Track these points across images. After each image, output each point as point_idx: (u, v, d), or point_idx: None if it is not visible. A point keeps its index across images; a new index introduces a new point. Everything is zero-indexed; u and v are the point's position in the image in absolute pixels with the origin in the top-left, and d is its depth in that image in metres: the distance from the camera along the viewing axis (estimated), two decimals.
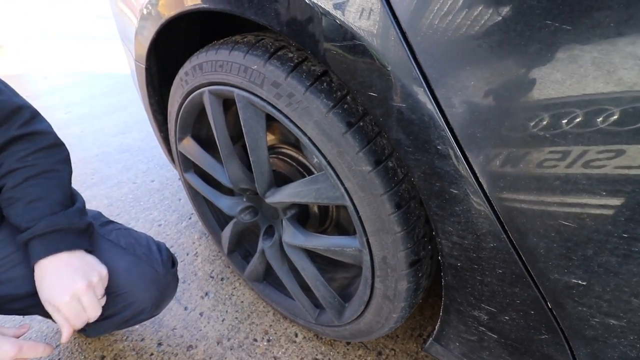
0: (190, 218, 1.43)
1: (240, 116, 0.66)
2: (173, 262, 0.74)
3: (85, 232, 0.62)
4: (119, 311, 0.64)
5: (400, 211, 0.54)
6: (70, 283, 0.56)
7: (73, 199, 0.65)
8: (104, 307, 0.64)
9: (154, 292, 0.67)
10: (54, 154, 0.64)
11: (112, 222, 0.75)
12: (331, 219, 0.88)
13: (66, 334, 0.58)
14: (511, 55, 0.33)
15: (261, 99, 0.61)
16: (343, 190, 0.57)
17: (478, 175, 0.40)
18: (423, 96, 0.39)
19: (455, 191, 0.42)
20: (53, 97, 2.81)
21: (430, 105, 0.39)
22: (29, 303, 0.63)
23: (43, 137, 0.63)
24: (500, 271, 0.45)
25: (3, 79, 0.64)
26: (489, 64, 0.35)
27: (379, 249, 0.58)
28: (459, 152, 0.40)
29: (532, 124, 0.35)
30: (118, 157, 1.92)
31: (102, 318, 0.65)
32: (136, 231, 0.75)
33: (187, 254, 1.25)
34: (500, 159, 0.38)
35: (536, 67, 0.33)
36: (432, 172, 0.43)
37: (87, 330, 0.67)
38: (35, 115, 0.64)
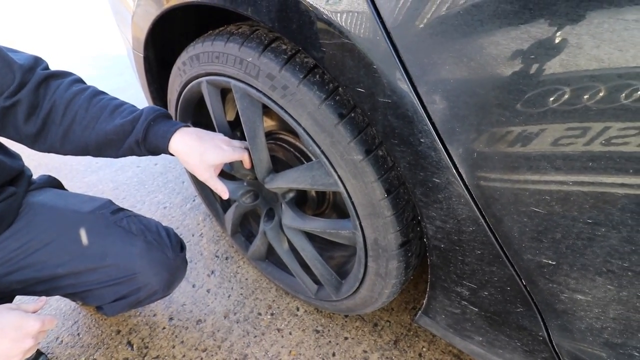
0: (194, 200, 1.48)
1: (237, 106, 0.68)
2: (181, 247, 0.79)
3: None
4: (133, 292, 0.70)
5: (389, 197, 0.57)
6: (215, 145, 0.66)
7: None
8: (120, 289, 0.69)
9: (165, 275, 0.72)
10: (85, 83, 0.68)
11: (122, 209, 0.80)
12: (328, 202, 0.92)
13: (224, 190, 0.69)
14: (483, 58, 0.36)
15: (257, 90, 0.63)
16: (336, 177, 0.60)
17: (457, 165, 0.43)
18: (407, 93, 0.42)
19: (438, 180, 0.46)
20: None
21: (414, 101, 0.42)
22: (50, 286, 0.69)
23: (67, 74, 0.67)
24: (479, 252, 0.49)
25: None
26: (466, 64, 0.37)
27: (371, 231, 0.62)
28: (439, 145, 0.43)
29: (504, 120, 0.37)
30: None
31: (119, 298, 0.71)
32: (145, 217, 0.80)
33: (193, 235, 1.31)
34: (476, 151, 0.41)
35: (505, 68, 0.35)
36: (416, 162, 0.46)
37: (104, 309, 0.73)
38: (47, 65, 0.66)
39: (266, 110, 0.74)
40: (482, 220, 0.46)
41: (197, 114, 0.92)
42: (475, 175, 0.42)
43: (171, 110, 0.93)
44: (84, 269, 0.67)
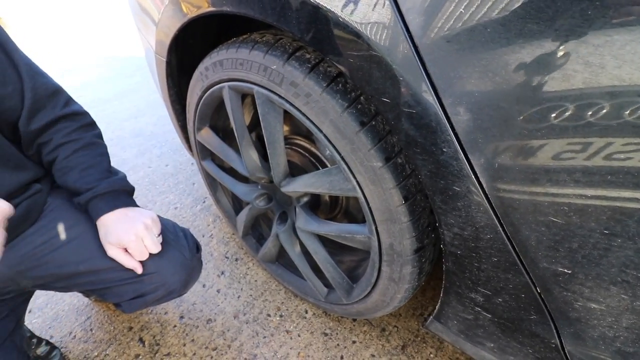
0: (204, 201, 1.50)
1: (259, 111, 0.70)
2: (197, 248, 0.80)
3: (132, 194, 0.75)
4: (151, 291, 0.71)
5: (407, 203, 0.59)
6: (131, 226, 0.67)
7: (114, 168, 0.76)
8: (138, 287, 0.71)
9: (182, 274, 0.73)
10: (92, 130, 0.74)
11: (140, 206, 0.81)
12: (340, 207, 0.94)
13: (136, 266, 0.68)
14: (508, 73, 0.37)
15: (279, 96, 0.65)
16: (355, 183, 0.62)
17: (478, 175, 0.44)
18: (431, 104, 0.43)
19: (458, 189, 0.47)
20: (62, 81, 2.84)
21: (438, 112, 0.44)
22: (71, 282, 0.70)
23: (81, 117, 0.73)
24: (495, 259, 0.50)
25: None
26: (491, 78, 0.39)
27: (386, 237, 0.64)
28: (462, 155, 0.44)
29: (526, 133, 0.39)
30: (132, 141, 1.97)
31: (137, 296, 0.72)
32: (162, 217, 0.81)
33: (203, 236, 1.32)
34: (498, 161, 0.42)
35: (529, 84, 0.37)
36: (437, 171, 0.48)
37: (123, 306, 0.75)
38: (70, 97, 0.74)
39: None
40: (500, 229, 0.47)
41: (215, 118, 0.94)
42: (496, 185, 0.44)
43: (190, 113, 0.95)
44: (104, 267, 0.69)
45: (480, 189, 0.45)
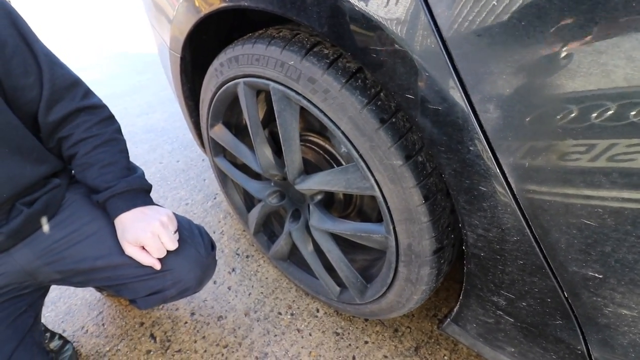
0: (215, 198, 1.50)
1: (274, 108, 0.69)
2: (212, 245, 0.80)
3: (150, 192, 0.75)
4: (167, 287, 0.71)
5: (427, 203, 0.57)
6: (148, 224, 0.67)
7: (133, 165, 0.76)
8: (154, 284, 0.71)
9: (198, 272, 0.73)
10: (112, 125, 0.74)
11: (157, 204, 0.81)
12: (354, 206, 0.92)
13: (154, 262, 0.68)
14: (542, 69, 0.36)
15: (297, 93, 0.64)
16: (373, 181, 0.60)
17: (507, 174, 0.43)
18: (459, 101, 0.42)
19: (484, 188, 0.46)
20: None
21: (466, 109, 0.42)
22: (88, 277, 0.70)
23: (101, 110, 0.73)
24: (521, 262, 0.49)
25: None
26: (524, 74, 0.37)
27: (405, 237, 0.62)
28: (490, 153, 0.43)
29: (559, 133, 0.37)
30: (144, 137, 1.98)
31: (152, 293, 0.72)
32: (177, 214, 0.81)
33: (214, 233, 1.32)
34: (528, 161, 0.41)
35: (564, 81, 0.35)
36: (463, 170, 0.46)
37: (138, 303, 0.75)
38: (89, 89, 0.73)
39: None
40: (528, 231, 0.45)
41: (228, 114, 0.93)
42: (525, 185, 0.42)
43: (203, 109, 0.94)
44: (121, 263, 0.69)
45: (508, 189, 0.44)
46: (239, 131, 0.99)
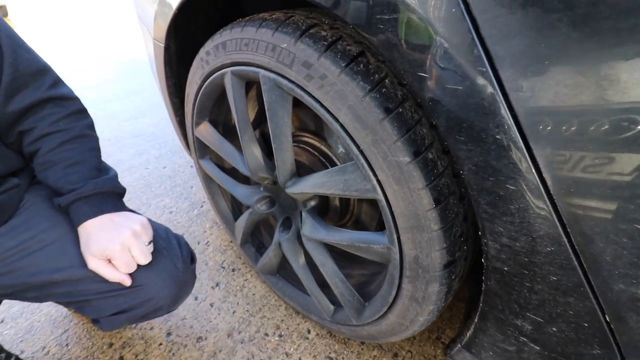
0: (201, 206, 1.40)
1: (264, 99, 0.62)
2: (192, 258, 0.71)
3: (123, 196, 0.66)
4: (135, 306, 0.61)
5: (438, 207, 0.49)
6: (117, 234, 0.58)
7: (105, 166, 0.67)
8: (121, 301, 0.61)
9: (173, 289, 0.64)
10: (83, 119, 0.65)
11: (132, 211, 0.72)
12: (351, 214, 0.84)
13: (122, 279, 0.59)
14: (598, 35, 0.28)
15: (289, 80, 0.57)
16: (375, 182, 0.52)
17: (542, 170, 0.35)
18: (484, 78, 0.34)
19: (512, 187, 0.38)
20: (65, 80, 2.80)
21: (492, 89, 0.34)
22: (44, 292, 0.60)
23: (71, 103, 0.64)
24: (554, 278, 0.40)
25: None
26: (572, 41, 0.30)
27: (411, 248, 0.54)
28: (521, 144, 0.35)
29: (615, 120, 0.30)
30: (130, 141, 1.89)
31: (119, 312, 0.62)
32: (155, 222, 0.72)
33: (199, 243, 1.22)
34: (572, 153, 0.33)
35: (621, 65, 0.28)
36: (486, 164, 0.38)
37: (101, 323, 0.64)
38: (59, 79, 0.65)
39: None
40: (566, 240, 0.37)
41: (215, 111, 0.85)
42: (565, 184, 0.34)
43: (188, 106, 0.87)
44: (82, 277, 0.59)
45: (543, 189, 0.36)
46: (227, 131, 0.91)
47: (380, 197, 0.53)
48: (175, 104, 0.96)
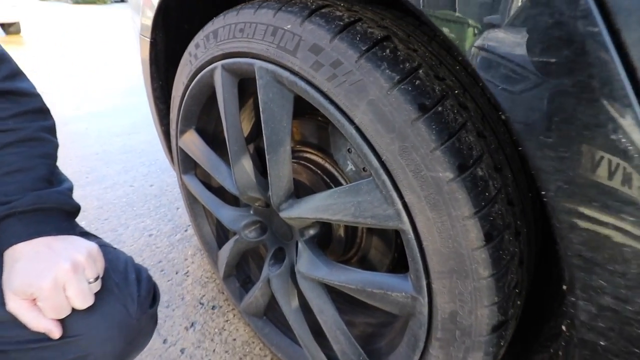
0: (186, 230, 1.25)
1: (260, 98, 0.49)
2: (154, 298, 0.55)
3: (74, 216, 0.51)
4: None
5: (490, 245, 0.35)
6: (52, 266, 0.43)
7: (59, 177, 0.53)
8: (47, 356, 0.45)
9: (119, 342, 0.47)
10: (39, 120, 0.52)
11: (87, 233, 0.58)
12: (358, 248, 0.69)
13: (49, 328, 0.43)
14: None
15: (292, 72, 0.44)
16: (400, 206, 0.38)
17: None
18: (595, 42, 0.22)
19: (632, 218, 0.24)
20: (65, 93, 2.73)
21: (609, 56, 0.22)
22: None
23: (28, 99, 0.52)
24: None
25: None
26: None
27: (447, 300, 0.39)
28: None
29: None
30: (119, 157, 1.77)
31: None
32: (114, 249, 0.57)
33: (177, 273, 1.06)
34: None
35: None
36: (590, 182, 0.25)
37: None
38: (18, 71, 0.53)
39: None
40: None
41: (203, 119, 0.73)
42: None
43: (174, 111, 0.74)
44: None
45: None
46: (217, 145, 0.78)
47: (406, 226, 0.39)
48: (161, 111, 0.84)
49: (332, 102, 0.41)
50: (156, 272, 1.05)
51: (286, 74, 0.45)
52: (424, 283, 0.40)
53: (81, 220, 1.26)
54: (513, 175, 0.40)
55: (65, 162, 1.68)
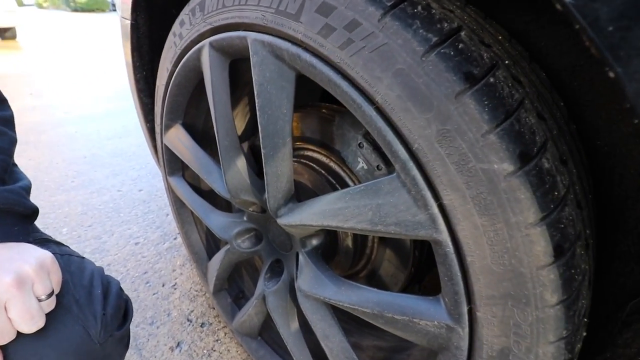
0: (175, 238, 1.14)
1: (254, 80, 0.40)
2: (125, 317, 0.45)
3: (29, 220, 0.43)
4: None
5: (561, 261, 0.26)
6: None
7: (14, 176, 0.45)
8: None
9: None
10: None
11: (49, 240, 0.48)
12: (367, 260, 0.59)
13: None
14: None
15: (293, 42, 0.35)
16: (436, 209, 0.29)
17: None
18: None
19: None
20: (56, 96, 2.63)
21: None
22: None
23: None
24: None
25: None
26: None
27: (497, 333, 0.29)
28: None
29: None
30: (108, 161, 1.67)
31: None
32: (81, 259, 0.47)
33: (163, 285, 0.95)
34: None
35: None
36: None
37: None
38: None
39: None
40: None
41: (191, 112, 0.64)
42: None
43: (158, 104, 0.65)
44: None
45: None
46: (207, 143, 0.68)
47: (443, 237, 0.29)
48: (145, 105, 0.75)
49: (345, 76, 0.32)
50: (141, 284, 0.95)
51: (286, 45, 0.36)
52: (465, 310, 0.30)
53: (63, 226, 1.16)
54: (577, 171, 0.31)
55: (51, 166, 1.57)
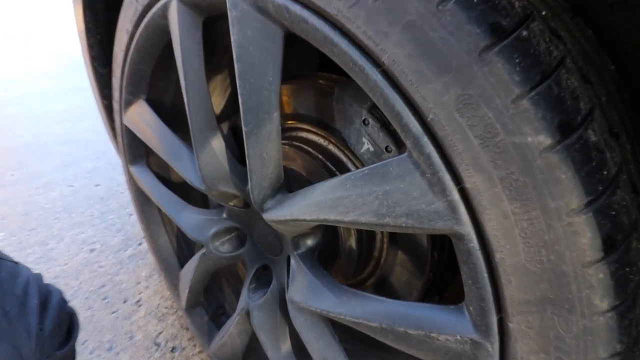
0: (140, 244, 1.16)
1: (233, 41, 0.40)
2: (69, 334, 0.46)
3: None
4: None
5: (612, 257, 0.26)
6: None
7: None
8: None
9: None
10: None
11: None
12: (376, 265, 0.60)
13: None
14: None
15: None
16: (457, 195, 0.29)
17: None
18: None
19: None
20: None
21: None
22: None
23: None
24: None
25: None
26: None
27: (534, 348, 0.29)
28: None
29: None
30: (58, 149, 1.68)
31: None
32: (14, 264, 0.48)
33: (125, 301, 0.96)
34: None
35: None
36: None
37: None
38: None
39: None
40: None
41: (157, 84, 0.64)
42: None
43: (116, 75, 0.66)
44: None
45: None
46: (178, 123, 0.68)
47: (466, 229, 0.29)
48: (101, 77, 0.76)
49: (344, 32, 0.32)
50: (97, 300, 0.96)
51: None
52: (494, 320, 0.31)
53: (0, 230, 1.16)
54: (632, 147, 0.31)
55: None
